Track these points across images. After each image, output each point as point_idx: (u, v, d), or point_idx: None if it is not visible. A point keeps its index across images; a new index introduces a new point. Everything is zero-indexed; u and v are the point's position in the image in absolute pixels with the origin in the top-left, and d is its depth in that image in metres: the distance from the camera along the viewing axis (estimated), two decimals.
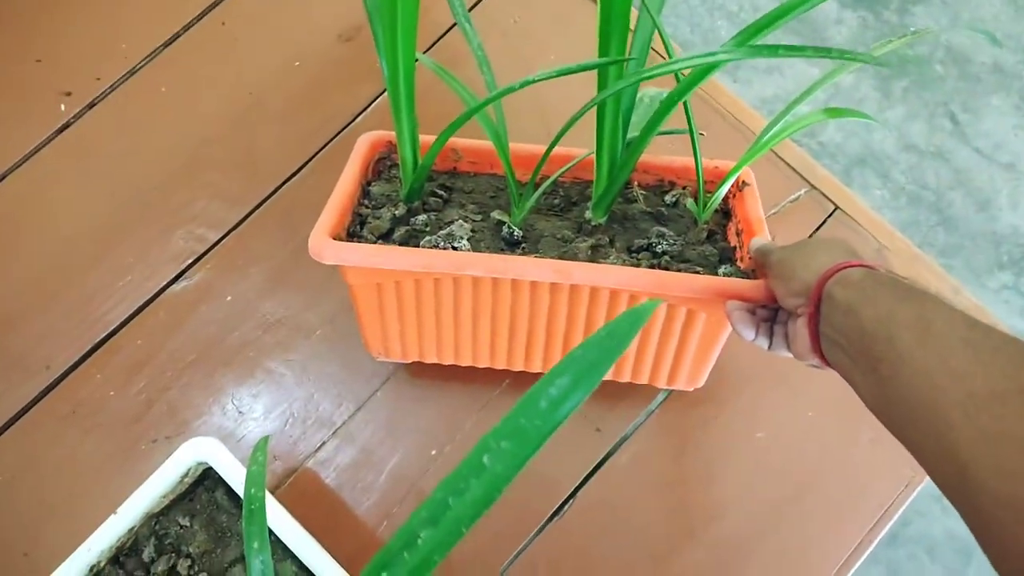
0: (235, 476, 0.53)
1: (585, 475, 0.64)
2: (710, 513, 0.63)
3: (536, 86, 0.44)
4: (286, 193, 0.72)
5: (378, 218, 0.58)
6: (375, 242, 0.57)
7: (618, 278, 0.52)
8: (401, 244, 0.56)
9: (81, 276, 0.70)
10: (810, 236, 0.72)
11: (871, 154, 1.53)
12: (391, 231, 0.58)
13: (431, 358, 0.64)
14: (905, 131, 1.58)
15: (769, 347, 0.50)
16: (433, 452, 0.65)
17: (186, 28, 0.78)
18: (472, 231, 0.57)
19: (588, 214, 0.60)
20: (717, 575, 0.61)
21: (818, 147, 1.56)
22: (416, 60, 0.52)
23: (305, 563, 0.51)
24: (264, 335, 0.68)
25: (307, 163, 0.73)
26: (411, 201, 0.60)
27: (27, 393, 0.66)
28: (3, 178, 0.73)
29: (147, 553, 0.52)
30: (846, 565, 0.61)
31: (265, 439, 0.44)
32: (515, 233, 0.58)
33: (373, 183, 0.62)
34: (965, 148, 1.58)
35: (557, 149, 0.56)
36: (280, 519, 0.52)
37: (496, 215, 0.59)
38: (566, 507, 0.63)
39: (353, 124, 0.73)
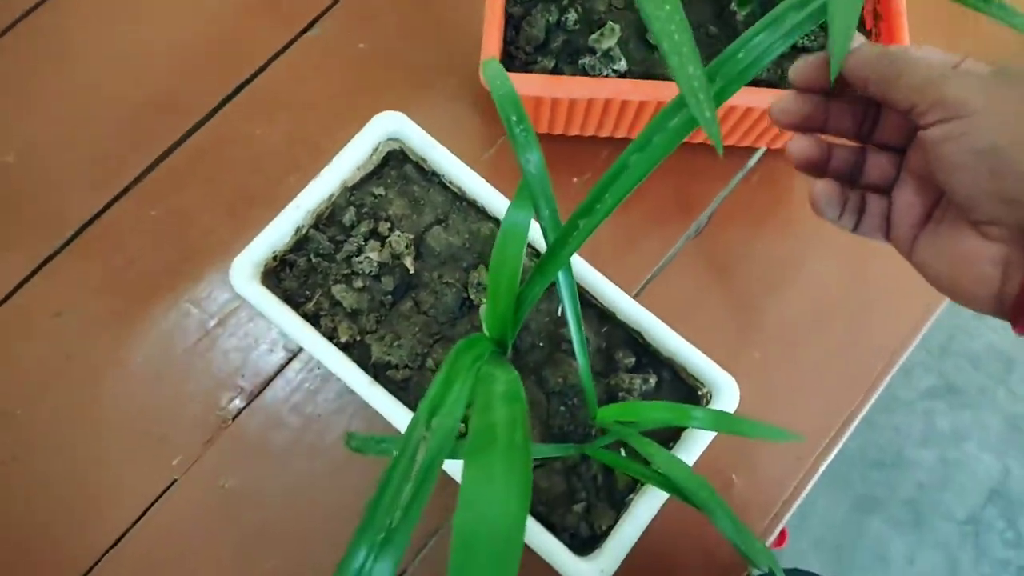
0: (424, 146, 0.54)
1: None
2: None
3: None
4: None
5: (532, 26, 0.59)
6: (531, 53, 0.59)
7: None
8: (558, 56, 0.59)
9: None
10: None
11: None
12: (547, 41, 0.59)
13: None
14: None
15: (856, 228, 0.37)
16: (575, 180, 0.67)
17: None
18: (619, 35, 0.59)
19: (733, 5, 0.61)
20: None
21: None
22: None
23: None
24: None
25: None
26: None
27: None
28: None
29: (347, 218, 0.55)
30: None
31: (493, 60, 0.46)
32: None
33: None
34: None
35: None
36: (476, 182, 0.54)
37: None
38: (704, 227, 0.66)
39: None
